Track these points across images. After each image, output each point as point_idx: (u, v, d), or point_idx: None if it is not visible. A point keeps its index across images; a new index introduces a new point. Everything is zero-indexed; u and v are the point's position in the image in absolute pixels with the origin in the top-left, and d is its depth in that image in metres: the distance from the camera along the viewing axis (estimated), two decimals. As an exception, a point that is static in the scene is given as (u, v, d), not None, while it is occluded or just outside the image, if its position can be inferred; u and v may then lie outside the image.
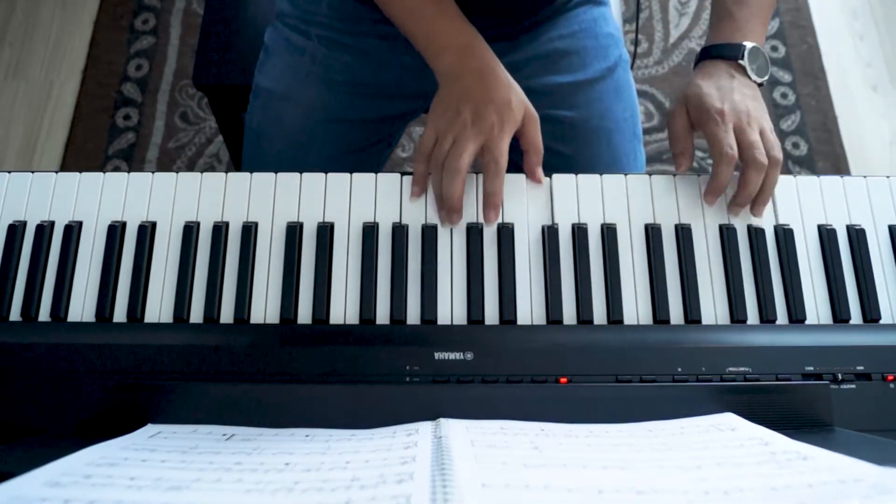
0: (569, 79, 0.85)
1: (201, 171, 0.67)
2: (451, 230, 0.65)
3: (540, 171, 0.67)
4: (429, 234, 0.64)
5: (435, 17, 0.72)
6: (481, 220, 0.65)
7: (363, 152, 0.86)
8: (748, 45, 0.70)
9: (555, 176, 0.67)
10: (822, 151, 1.58)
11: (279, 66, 0.86)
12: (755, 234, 0.65)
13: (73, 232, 0.63)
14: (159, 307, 0.62)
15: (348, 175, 0.67)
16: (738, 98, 0.68)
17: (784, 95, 1.64)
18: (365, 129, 0.85)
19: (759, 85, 0.71)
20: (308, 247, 0.64)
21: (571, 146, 0.84)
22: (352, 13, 0.84)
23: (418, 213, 0.66)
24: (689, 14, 1.74)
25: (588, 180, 0.67)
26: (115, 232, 0.63)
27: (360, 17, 0.83)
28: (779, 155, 0.66)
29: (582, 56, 0.86)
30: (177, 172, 0.67)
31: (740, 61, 0.70)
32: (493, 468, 0.38)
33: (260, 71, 0.88)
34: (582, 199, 0.67)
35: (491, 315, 0.62)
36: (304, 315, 0.62)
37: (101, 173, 0.66)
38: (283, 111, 0.84)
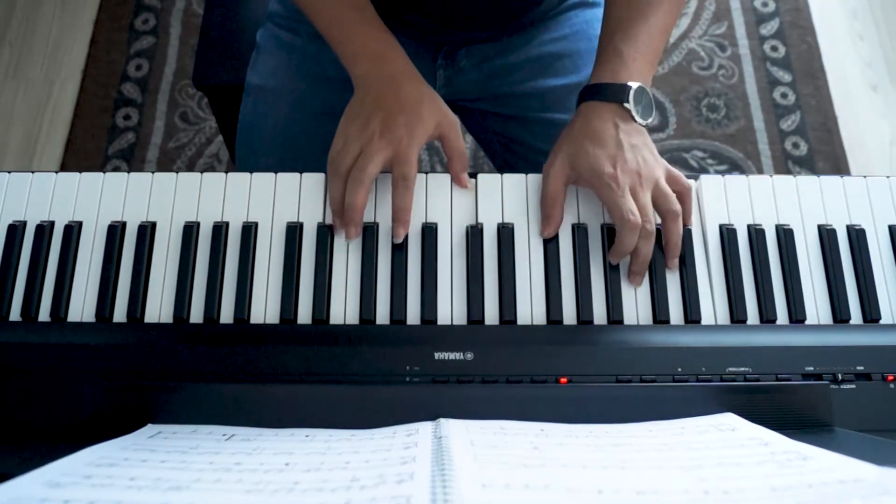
0: (563, 82, 0.85)
1: (201, 171, 0.68)
2: (452, 229, 0.65)
3: (465, 177, 0.66)
4: (429, 233, 0.64)
5: (353, 24, 0.71)
6: (481, 220, 0.65)
7: None
8: (633, 85, 0.66)
9: (555, 176, 0.67)
10: (822, 151, 1.58)
11: (270, 64, 0.86)
12: (755, 234, 0.65)
13: (73, 232, 0.63)
14: (159, 307, 0.62)
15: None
16: (630, 156, 0.63)
17: (784, 95, 1.64)
18: None
19: (646, 126, 0.67)
20: (308, 247, 0.64)
21: None
22: None
23: (418, 213, 0.66)
24: (689, 14, 1.74)
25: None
26: (115, 232, 0.63)
27: None
28: (675, 208, 0.63)
29: (575, 59, 0.86)
30: (177, 172, 0.67)
31: (625, 104, 0.65)
32: (493, 468, 0.38)
33: (252, 69, 0.89)
34: (581, 199, 0.67)
35: (491, 315, 0.62)
36: (304, 315, 0.62)
37: (101, 173, 0.66)
38: (275, 107, 0.85)
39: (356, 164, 0.63)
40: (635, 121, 0.66)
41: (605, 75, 0.69)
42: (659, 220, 0.64)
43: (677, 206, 0.64)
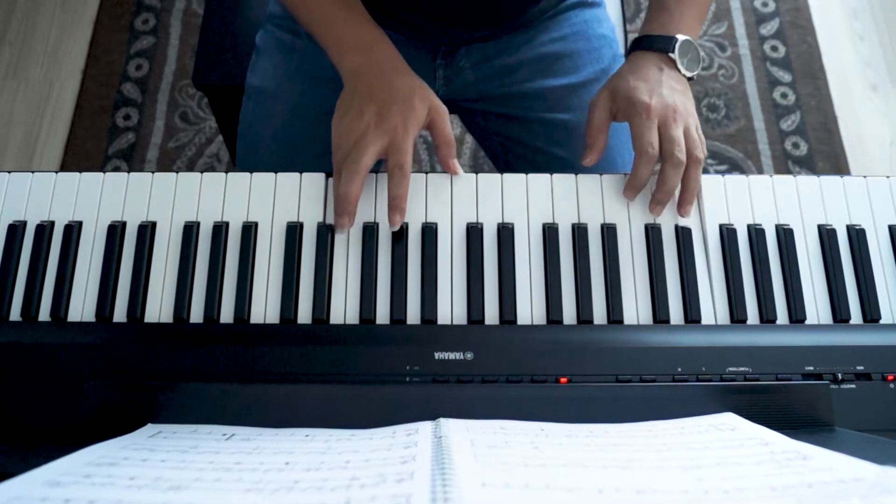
0: (563, 82, 0.85)
1: (201, 171, 0.67)
2: (452, 229, 0.65)
3: (454, 163, 0.67)
4: (429, 233, 0.64)
5: (341, 19, 0.72)
6: (481, 219, 0.65)
7: None
8: (680, 37, 0.70)
9: (555, 176, 0.67)
10: (822, 151, 1.58)
11: (270, 66, 0.86)
12: (755, 234, 0.65)
13: (73, 232, 0.63)
14: (159, 307, 0.62)
15: (348, 175, 0.67)
16: (667, 92, 0.67)
17: (784, 95, 1.64)
18: None
19: (690, 79, 0.70)
20: (308, 247, 0.64)
21: (567, 149, 0.84)
22: None
23: (418, 213, 0.66)
24: (689, 14, 1.73)
25: (587, 180, 0.67)
26: (115, 232, 0.63)
27: None
28: (700, 154, 0.65)
29: (575, 59, 0.86)
30: (177, 172, 0.67)
31: (671, 54, 0.69)
32: (493, 468, 0.38)
33: (252, 71, 0.89)
34: (582, 199, 0.67)
35: (491, 315, 0.62)
36: (304, 315, 0.62)
37: (101, 173, 0.66)
38: (274, 108, 0.85)
39: (350, 156, 0.64)
40: (680, 71, 0.69)
41: (653, 28, 0.72)
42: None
43: (702, 154, 0.66)
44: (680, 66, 0.69)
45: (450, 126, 0.68)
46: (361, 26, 0.72)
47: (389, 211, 0.63)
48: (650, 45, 0.71)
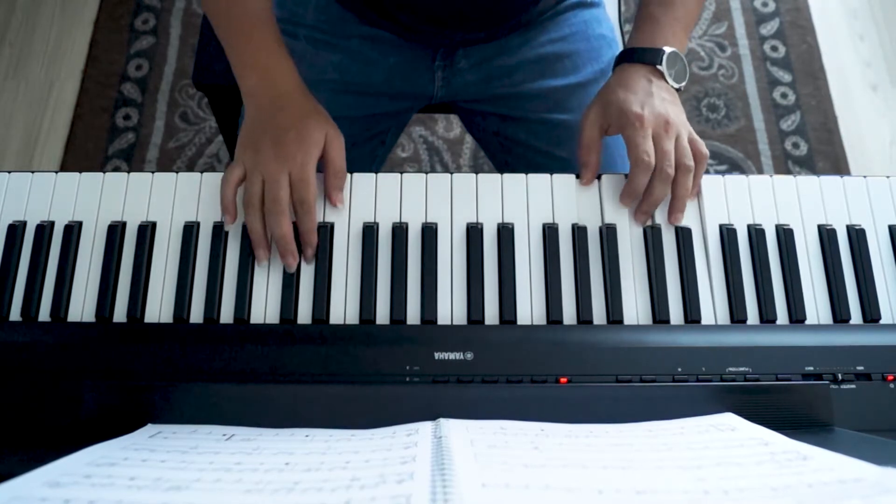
0: (562, 82, 0.85)
1: (201, 171, 0.67)
2: (452, 229, 0.65)
3: (338, 195, 0.65)
4: (429, 233, 0.64)
5: (247, 36, 0.70)
6: (481, 219, 0.65)
7: (354, 149, 0.87)
8: (667, 49, 0.69)
9: (555, 176, 0.68)
10: (822, 151, 1.58)
11: None
12: (755, 234, 0.65)
13: (73, 232, 0.63)
14: (159, 307, 0.62)
15: (348, 175, 0.67)
16: (658, 103, 0.67)
17: (784, 95, 1.64)
18: (354, 127, 0.85)
19: (678, 90, 0.70)
20: (308, 247, 0.64)
21: (567, 149, 0.84)
22: (337, 15, 0.84)
23: (418, 213, 0.66)
24: (689, 14, 1.73)
25: (588, 180, 0.67)
26: (115, 232, 0.63)
27: (346, 20, 0.84)
28: (689, 162, 0.65)
29: (574, 59, 0.86)
30: (177, 172, 0.67)
31: (658, 66, 0.69)
32: (493, 468, 0.38)
33: None
34: (582, 199, 0.67)
35: (491, 315, 0.62)
36: (304, 315, 0.62)
37: (101, 173, 0.66)
38: None
39: (266, 196, 0.63)
40: (668, 83, 0.69)
41: (640, 40, 0.72)
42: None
43: (692, 163, 0.66)
44: (668, 78, 0.69)
45: (344, 156, 0.67)
46: (263, 44, 0.71)
47: (303, 245, 0.63)
48: (638, 57, 0.70)
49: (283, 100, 0.68)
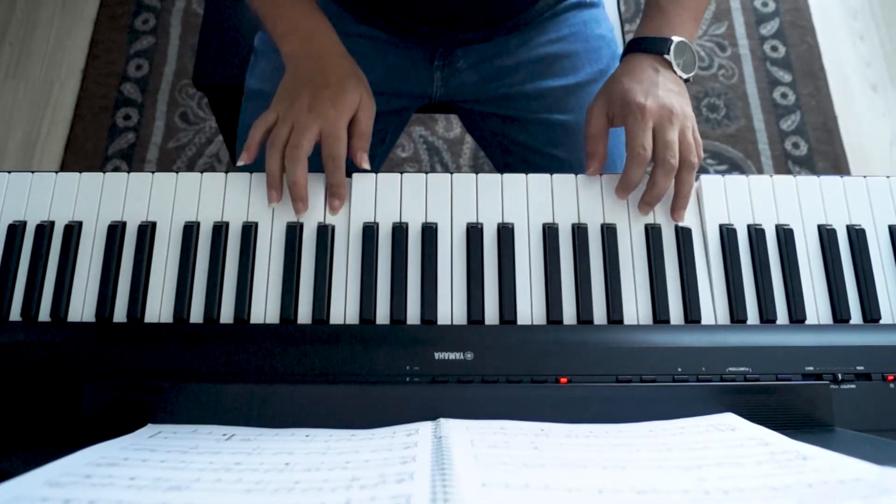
0: (561, 82, 0.85)
1: (201, 171, 0.67)
2: (452, 229, 0.65)
3: (361, 155, 0.67)
4: (429, 233, 0.64)
5: (285, 4, 0.72)
6: (481, 219, 0.65)
7: None
8: (675, 39, 0.69)
9: (555, 176, 0.67)
10: (822, 151, 1.58)
11: (268, 68, 0.86)
12: (755, 234, 0.65)
13: (73, 232, 0.63)
14: (159, 307, 0.62)
15: (348, 176, 0.67)
16: (663, 94, 0.66)
17: (784, 95, 1.64)
18: None
19: (686, 81, 0.70)
20: (308, 247, 0.64)
21: (566, 149, 0.84)
22: (335, 15, 0.84)
23: (418, 213, 0.66)
24: (689, 14, 1.73)
25: (587, 180, 0.67)
26: (115, 232, 0.63)
27: (344, 20, 0.84)
28: (694, 159, 0.65)
29: (573, 59, 0.86)
30: (177, 172, 0.67)
31: (666, 56, 0.69)
32: (493, 468, 0.38)
33: (250, 74, 0.89)
34: (581, 199, 0.67)
35: (491, 315, 0.62)
36: (304, 315, 0.62)
37: (101, 173, 0.66)
38: None
39: (290, 141, 0.65)
40: (676, 73, 0.68)
41: (648, 29, 0.72)
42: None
43: (696, 159, 0.65)
44: (676, 68, 0.69)
45: (371, 123, 0.69)
46: (303, 10, 0.73)
47: (329, 198, 0.65)
48: (645, 46, 0.70)
49: (323, 61, 0.69)
